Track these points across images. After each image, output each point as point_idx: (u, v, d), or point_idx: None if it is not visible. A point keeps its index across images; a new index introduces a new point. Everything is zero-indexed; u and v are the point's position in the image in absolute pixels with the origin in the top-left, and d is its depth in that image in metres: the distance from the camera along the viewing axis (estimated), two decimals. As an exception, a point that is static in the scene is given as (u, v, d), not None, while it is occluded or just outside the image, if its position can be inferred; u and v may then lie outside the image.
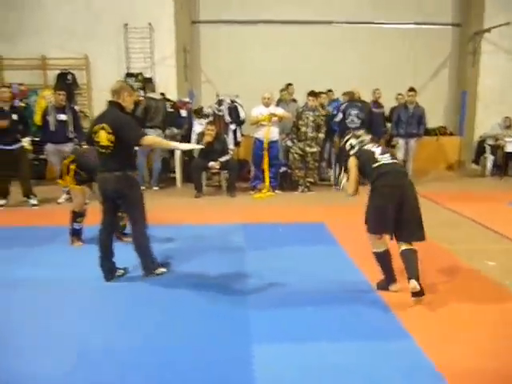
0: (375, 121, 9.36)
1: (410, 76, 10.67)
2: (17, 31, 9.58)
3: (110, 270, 4.26)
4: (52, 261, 4.79)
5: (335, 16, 10.71)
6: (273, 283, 4.16)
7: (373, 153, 4.00)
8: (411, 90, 8.81)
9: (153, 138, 4.83)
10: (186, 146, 4.77)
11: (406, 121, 8.77)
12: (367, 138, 4.16)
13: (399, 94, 9.59)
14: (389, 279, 3.98)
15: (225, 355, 2.99)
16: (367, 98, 9.53)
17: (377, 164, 3.92)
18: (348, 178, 4.15)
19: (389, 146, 10.00)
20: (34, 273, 4.45)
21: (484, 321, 3.47)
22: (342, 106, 8.45)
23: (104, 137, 3.96)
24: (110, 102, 4.13)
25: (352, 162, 4.09)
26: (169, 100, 9.18)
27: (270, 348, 3.08)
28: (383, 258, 3.92)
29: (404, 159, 8.92)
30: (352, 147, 4.14)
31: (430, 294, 3.85)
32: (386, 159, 3.95)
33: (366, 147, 4.07)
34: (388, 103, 9.67)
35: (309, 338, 3.21)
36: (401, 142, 8.87)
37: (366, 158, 4.02)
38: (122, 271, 4.35)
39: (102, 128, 3.98)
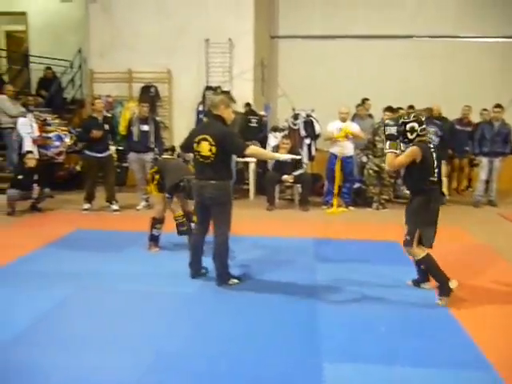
0: (458, 139, 8.99)
1: (495, 92, 10.15)
2: (107, 47, 10.19)
3: (197, 270, 4.58)
4: (130, 266, 5.00)
5: (417, 30, 10.44)
6: (344, 301, 4.09)
7: (433, 162, 3.98)
8: (497, 106, 8.37)
9: (256, 148, 5.13)
10: (285, 157, 4.81)
11: (490, 139, 8.33)
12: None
13: (484, 110, 9.10)
14: (444, 278, 4.05)
15: (295, 370, 2.97)
16: (450, 114, 9.17)
17: (432, 178, 4.01)
18: (395, 155, 4.02)
19: (472, 166, 9.62)
20: (113, 278, 4.67)
21: None
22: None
23: (206, 148, 4.15)
24: (213, 115, 4.32)
25: (413, 152, 3.95)
26: (255, 114, 9.39)
27: (341, 367, 3.03)
28: (432, 259, 4.13)
29: (487, 179, 8.48)
30: (412, 132, 3.97)
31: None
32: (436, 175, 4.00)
33: (430, 148, 4.07)
34: (475, 120, 9.18)
35: (381, 359, 3.11)
36: (484, 160, 8.43)
37: (428, 164, 3.94)
38: (205, 271, 4.63)
39: (205, 139, 4.17)
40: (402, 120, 4.07)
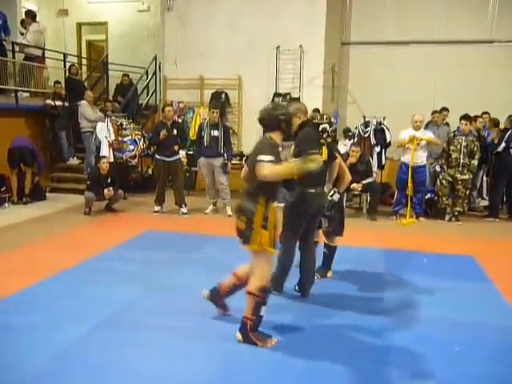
0: None
1: None
2: (181, 54, 10.51)
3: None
4: (197, 270, 5.09)
5: (498, 35, 9.91)
6: (413, 316, 3.94)
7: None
8: None
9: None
10: None
11: None
12: None
13: None
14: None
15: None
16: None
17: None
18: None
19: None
20: (184, 278, 4.77)
21: None
22: (507, 135, 7.78)
23: (325, 152, 4.15)
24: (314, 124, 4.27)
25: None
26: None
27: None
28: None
29: None
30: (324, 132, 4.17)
31: None
32: None
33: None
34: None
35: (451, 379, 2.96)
36: None
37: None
38: None
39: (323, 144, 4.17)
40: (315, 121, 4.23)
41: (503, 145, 7.79)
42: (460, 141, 7.63)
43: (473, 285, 4.75)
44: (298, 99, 10.03)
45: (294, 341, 3.48)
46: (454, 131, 7.97)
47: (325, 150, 4.11)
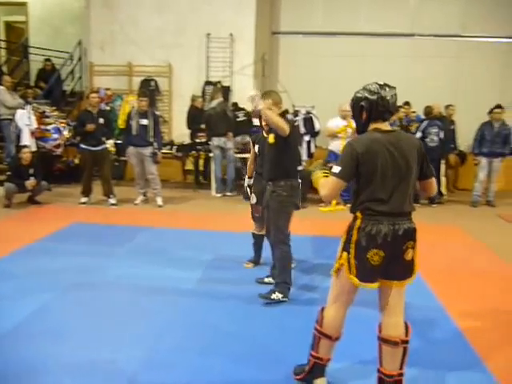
0: (452, 137, 9.10)
1: (496, 92, 10.13)
2: (108, 40, 10.14)
3: None
4: (126, 261, 4.98)
5: (421, 28, 10.38)
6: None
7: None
8: (498, 107, 8.35)
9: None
10: None
11: (490, 139, 8.31)
12: None
13: (449, 106, 9.13)
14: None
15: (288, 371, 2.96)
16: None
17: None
18: None
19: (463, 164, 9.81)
20: (108, 273, 4.66)
21: None
22: (422, 125, 8.19)
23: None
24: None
25: None
26: (241, 109, 9.30)
27: (335, 367, 3.00)
28: None
29: (486, 179, 8.48)
30: None
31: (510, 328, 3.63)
32: None
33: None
34: (475, 120, 9.12)
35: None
36: (484, 161, 8.41)
37: None
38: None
39: None
40: None
41: (419, 134, 8.18)
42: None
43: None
44: (228, 88, 10.03)
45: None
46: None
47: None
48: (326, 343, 2.71)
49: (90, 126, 7.19)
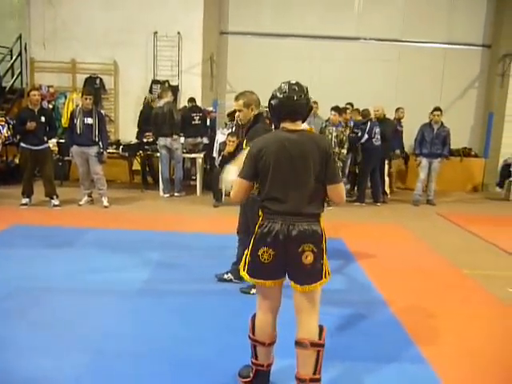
0: (399, 138, 9.49)
1: (436, 95, 10.58)
2: (50, 35, 9.80)
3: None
4: (72, 263, 4.84)
5: (364, 32, 10.68)
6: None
7: None
8: (437, 109, 8.71)
9: None
10: None
11: (430, 140, 8.67)
12: None
13: (375, 110, 9.41)
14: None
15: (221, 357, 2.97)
16: (392, 116, 9.50)
17: None
18: None
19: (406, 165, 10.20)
20: (52, 277, 4.51)
21: (499, 351, 3.39)
22: (367, 127, 8.43)
23: None
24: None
25: None
26: (199, 110, 9.24)
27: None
28: None
29: (427, 179, 8.84)
30: None
31: (447, 320, 3.80)
32: None
33: None
34: (416, 122, 9.46)
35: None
36: (424, 161, 8.77)
37: None
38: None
39: None
40: None
41: (366, 136, 8.43)
42: (331, 131, 8.12)
43: (340, 263, 5.10)
44: (177, 87, 9.94)
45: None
46: (325, 122, 8.46)
47: None
48: (261, 350, 2.69)
49: (31, 125, 6.91)
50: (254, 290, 4.03)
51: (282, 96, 2.51)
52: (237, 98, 3.98)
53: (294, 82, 2.56)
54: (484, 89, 11.04)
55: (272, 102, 2.56)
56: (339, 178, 2.55)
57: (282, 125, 2.55)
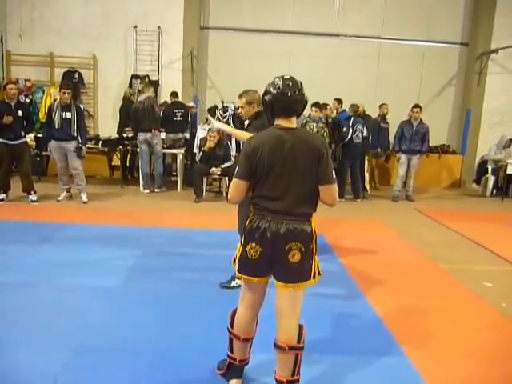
0: (383, 135, 9.51)
1: (415, 92, 10.71)
2: (27, 27, 9.63)
3: None
4: (50, 259, 4.78)
5: (344, 29, 10.72)
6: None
7: None
8: (416, 106, 8.82)
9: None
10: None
11: (409, 137, 8.77)
12: None
13: (383, 105, 9.57)
14: None
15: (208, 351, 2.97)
16: (373, 112, 9.58)
17: None
18: None
19: (387, 162, 10.20)
20: (30, 273, 4.44)
21: (476, 345, 3.45)
22: (350, 122, 8.47)
23: None
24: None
25: None
26: (181, 107, 9.17)
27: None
28: None
29: (406, 175, 8.95)
30: None
31: (426, 315, 3.85)
32: None
33: None
34: (396, 119, 9.56)
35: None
36: (403, 158, 8.87)
37: None
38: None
39: None
40: None
41: (351, 131, 8.46)
42: (312, 127, 8.15)
43: (320, 258, 5.10)
44: (157, 82, 9.87)
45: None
46: (306, 118, 8.48)
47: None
48: (237, 344, 2.69)
49: (7, 119, 6.78)
50: (234, 283, 4.10)
51: (275, 92, 2.46)
52: (240, 96, 4.13)
53: (287, 76, 2.51)
54: (462, 86, 11.21)
55: (266, 97, 2.50)
56: (332, 179, 2.48)
57: (276, 122, 2.51)
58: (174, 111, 9.04)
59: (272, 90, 2.48)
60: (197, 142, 8.60)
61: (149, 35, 9.70)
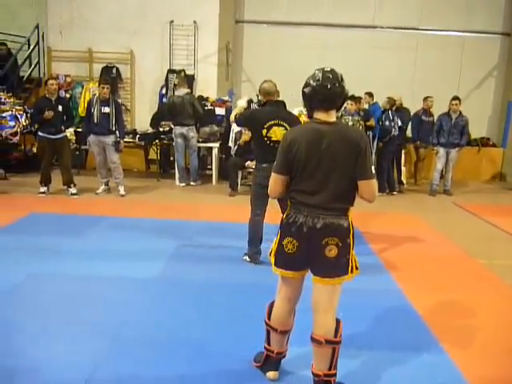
0: (425, 129, 9.14)
1: (454, 84, 10.44)
2: (67, 24, 9.86)
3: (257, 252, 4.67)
4: (89, 250, 4.91)
5: (381, 20, 10.53)
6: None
7: None
8: (455, 98, 8.59)
9: None
10: None
11: (448, 130, 8.56)
12: None
13: (428, 97, 9.27)
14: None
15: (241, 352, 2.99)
16: (409, 105, 9.38)
17: None
18: None
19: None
20: (69, 264, 4.58)
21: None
22: (390, 115, 8.33)
23: (279, 133, 4.27)
24: (276, 101, 4.54)
25: None
26: (206, 99, 9.26)
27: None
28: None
29: (444, 169, 8.76)
30: None
31: (466, 312, 3.78)
32: None
33: None
34: (434, 111, 9.31)
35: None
36: (441, 151, 8.67)
37: None
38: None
39: (278, 124, 4.34)
40: None
41: (387, 123, 8.29)
42: (347, 120, 8.06)
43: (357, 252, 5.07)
44: (192, 76, 9.95)
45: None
46: (341, 111, 8.39)
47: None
48: (274, 336, 2.70)
49: (48, 114, 6.98)
50: (245, 257, 4.65)
51: (315, 84, 2.42)
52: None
53: (328, 68, 2.46)
54: (503, 78, 10.85)
55: (305, 89, 2.47)
56: (371, 174, 2.43)
57: (315, 115, 2.48)
58: (202, 102, 9.11)
59: (312, 82, 2.45)
60: (232, 135, 8.63)
61: (185, 30, 9.78)
